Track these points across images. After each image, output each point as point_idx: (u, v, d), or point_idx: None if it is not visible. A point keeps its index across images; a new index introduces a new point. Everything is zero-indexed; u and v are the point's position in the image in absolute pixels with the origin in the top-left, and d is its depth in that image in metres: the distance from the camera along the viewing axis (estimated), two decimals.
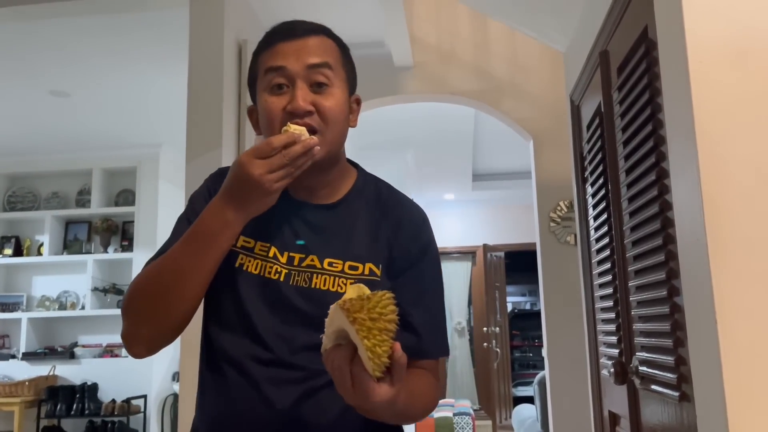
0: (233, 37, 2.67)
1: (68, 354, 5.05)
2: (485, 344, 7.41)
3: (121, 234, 5.30)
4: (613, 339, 1.90)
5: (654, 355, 1.50)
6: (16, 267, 5.28)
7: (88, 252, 5.20)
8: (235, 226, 0.94)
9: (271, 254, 1.01)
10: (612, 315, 1.91)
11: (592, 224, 2.16)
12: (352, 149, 1.18)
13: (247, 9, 2.87)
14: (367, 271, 1.01)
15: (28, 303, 5.25)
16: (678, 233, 1.26)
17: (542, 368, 5.12)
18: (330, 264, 1.00)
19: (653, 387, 1.52)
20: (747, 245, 1.08)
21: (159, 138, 4.99)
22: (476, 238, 7.58)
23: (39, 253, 5.23)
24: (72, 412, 4.72)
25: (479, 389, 7.69)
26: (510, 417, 6.64)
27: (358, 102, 1.09)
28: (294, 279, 1.00)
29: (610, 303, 1.92)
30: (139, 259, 5.02)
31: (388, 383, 0.80)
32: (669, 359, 1.38)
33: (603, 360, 2.09)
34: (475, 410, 6.28)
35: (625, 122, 1.64)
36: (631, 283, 1.67)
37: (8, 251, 5.23)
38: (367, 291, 0.83)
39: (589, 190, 2.18)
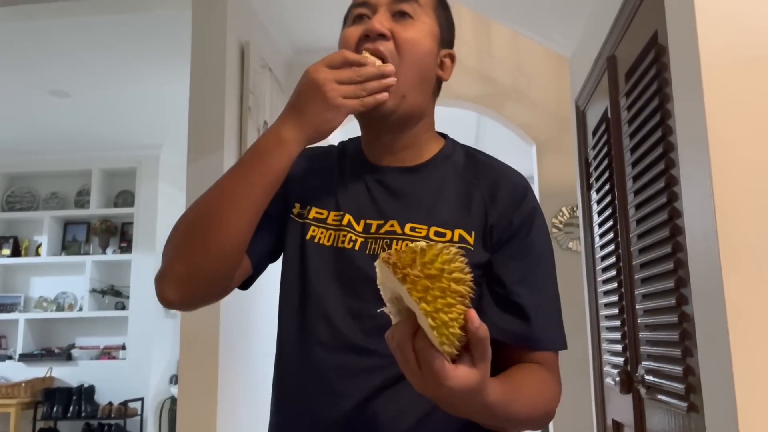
0: (236, 39, 2.65)
1: (65, 355, 5.03)
2: None
3: (120, 235, 5.28)
4: (619, 347, 1.88)
5: (661, 365, 1.48)
6: (14, 267, 5.25)
7: (87, 253, 5.17)
8: (290, 144, 0.83)
9: (345, 222, 0.90)
10: (617, 323, 1.89)
11: (597, 231, 2.14)
12: None
13: (250, 11, 2.86)
14: (456, 238, 0.86)
15: (25, 304, 5.22)
16: (688, 241, 1.24)
17: None
18: (412, 229, 0.87)
19: (660, 397, 1.50)
20: (761, 254, 1.07)
21: (159, 139, 4.97)
22: None
23: (37, 254, 5.21)
24: (68, 414, 4.69)
25: None
26: None
27: (453, 58, 0.97)
28: (371, 247, 0.88)
29: (616, 311, 1.90)
30: (137, 260, 5.00)
31: (468, 363, 0.63)
32: (677, 369, 1.36)
33: (607, 368, 2.07)
34: None
35: (633, 128, 1.62)
36: (637, 291, 1.65)
37: (6, 251, 5.20)
38: (437, 243, 0.65)
39: (594, 196, 2.17)
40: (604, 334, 2.10)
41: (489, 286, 0.87)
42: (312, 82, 0.82)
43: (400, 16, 0.89)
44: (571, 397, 3.15)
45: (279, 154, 0.84)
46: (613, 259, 1.93)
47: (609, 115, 1.89)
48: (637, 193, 1.62)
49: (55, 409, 4.70)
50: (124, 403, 4.74)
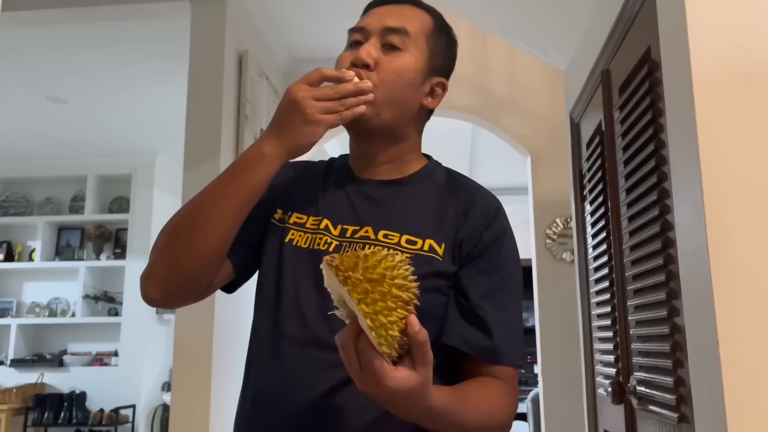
0: (234, 47, 2.67)
1: (57, 362, 5.00)
2: None
3: (114, 241, 5.28)
4: (611, 358, 1.90)
5: (652, 376, 1.50)
6: (7, 272, 5.24)
7: (81, 259, 5.16)
8: (271, 158, 0.89)
9: (322, 226, 0.95)
10: (610, 334, 1.91)
11: (591, 242, 2.16)
12: None
13: (248, 21, 2.88)
14: (426, 247, 0.90)
15: (17, 309, 5.20)
16: (680, 254, 1.26)
17: (534, 385, 5.09)
18: (385, 236, 0.91)
19: (651, 407, 1.51)
20: (751, 267, 1.08)
21: (155, 146, 4.98)
22: None
23: (30, 259, 5.20)
24: (59, 421, 4.67)
25: None
26: None
27: (444, 87, 1.02)
28: (345, 250, 0.91)
29: (608, 322, 1.92)
30: (131, 266, 4.99)
31: (408, 366, 0.68)
32: (668, 380, 1.37)
33: (599, 379, 2.09)
34: None
35: (626, 141, 1.64)
36: (630, 303, 1.67)
37: None
38: (382, 249, 0.69)
39: (588, 207, 2.19)
40: (597, 345, 2.12)
41: (456, 298, 0.92)
42: (292, 99, 0.87)
43: (389, 47, 0.95)
44: (563, 407, 3.18)
45: (260, 168, 0.89)
46: (606, 270, 1.95)
47: (603, 128, 1.91)
48: (630, 205, 1.64)
49: (46, 415, 4.68)
50: (116, 410, 4.72)
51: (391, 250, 0.69)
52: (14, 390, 4.72)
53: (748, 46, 1.15)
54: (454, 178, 1.02)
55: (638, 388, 1.59)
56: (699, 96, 1.15)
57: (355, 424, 0.85)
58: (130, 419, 4.80)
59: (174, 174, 5.07)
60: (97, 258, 5.17)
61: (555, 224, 3.47)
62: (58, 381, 4.96)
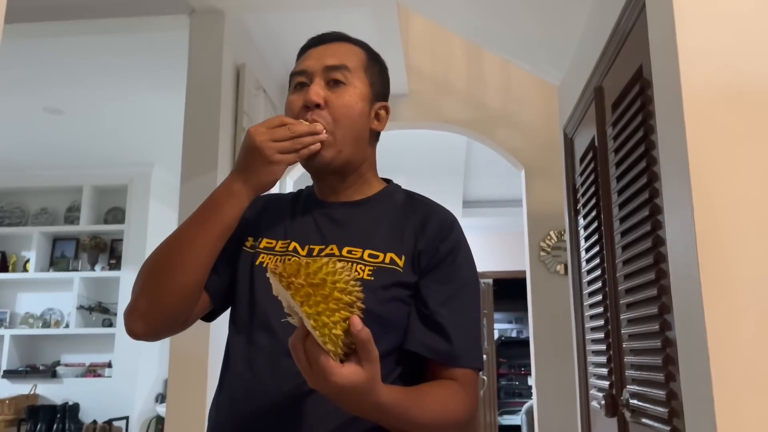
0: (231, 61, 2.69)
1: (50, 373, 4.97)
2: None
3: (110, 252, 5.26)
4: (604, 371, 1.92)
5: (645, 389, 1.51)
6: (1, 283, 5.21)
7: (75, 269, 5.15)
8: (239, 195, 0.97)
9: (290, 248, 1.01)
10: (603, 347, 1.92)
11: (584, 256, 2.19)
12: None
13: (246, 34, 2.91)
14: (387, 260, 0.97)
15: (11, 320, 5.17)
16: (671, 269, 1.28)
17: (528, 397, 5.09)
18: (349, 251, 0.98)
19: (644, 420, 1.53)
20: (740, 281, 1.11)
21: (151, 157, 4.99)
22: None
23: (25, 270, 5.18)
24: None
25: None
26: None
27: (387, 110, 1.10)
28: None
29: (602, 335, 1.94)
30: (126, 277, 4.98)
31: (355, 363, 0.74)
32: (660, 393, 1.39)
33: (593, 391, 2.10)
34: None
35: (619, 157, 1.67)
36: (622, 316, 1.69)
37: None
38: (325, 258, 0.75)
39: (582, 222, 2.21)
40: (591, 358, 2.14)
41: (416, 306, 0.98)
42: (252, 144, 0.95)
43: (334, 84, 1.02)
44: (557, 420, 3.18)
45: (230, 206, 0.97)
46: (599, 284, 1.97)
47: (596, 144, 1.94)
48: (622, 220, 1.66)
49: (38, 427, 4.64)
50: (109, 422, 4.69)
51: (333, 259, 0.75)
52: (7, 401, 4.68)
53: (736, 65, 1.18)
54: (412, 198, 1.09)
55: (631, 401, 1.61)
56: (689, 114, 1.18)
57: (323, 427, 0.90)
58: (124, 431, 4.77)
59: (170, 185, 5.08)
60: (92, 269, 5.16)
61: (549, 237, 3.50)
62: (51, 392, 4.93)
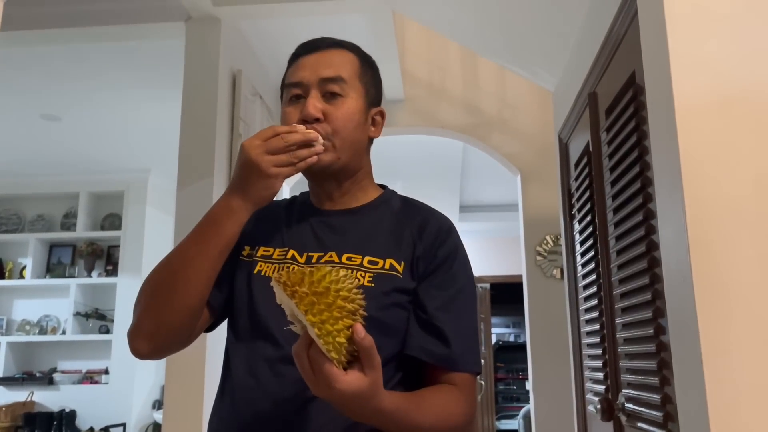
0: (228, 67, 2.70)
1: (47, 380, 4.96)
2: None
3: (106, 258, 5.26)
4: (600, 375, 1.92)
5: (640, 393, 1.52)
6: None
7: (72, 276, 5.14)
8: (239, 211, 0.96)
9: (289, 256, 1.01)
10: (599, 351, 1.93)
11: (579, 260, 2.20)
12: None
13: (242, 40, 2.92)
14: (387, 266, 0.98)
15: (7, 327, 5.16)
16: (664, 273, 1.29)
17: (526, 401, 5.09)
18: (348, 258, 0.98)
19: (639, 424, 1.53)
20: (732, 285, 1.12)
21: (147, 163, 4.99)
22: None
23: (21, 276, 5.17)
24: None
25: None
26: None
27: (383, 115, 1.11)
28: None
29: (597, 339, 1.95)
30: (123, 284, 4.98)
31: (358, 370, 0.75)
32: (655, 397, 1.40)
33: (589, 396, 2.11)
34: None
35: (613, 162, 1.68)
36: (617, 320, 1.69)
37: None
38: (328, 266, 0.75)
39: (577, 226, 2.22)
40: (587, 362, 2.14)
41: (415, 311, 0.98)
42: (247, 158, 0.94)
43: (330, 96, 1.02)
44: (554, 424, 3.18)
45: (230, 222, 0.96)
46: (594, 289, 1.98)
47: (590, 149, 1.95)
48: (617, 224, 1.67)
49: None
50: (106, 429, 4.68)
51: (337, 267, 0.76)
52: (3, 408, 4.67)
53: (726, 72, 1.20)
54: (408, 203, 1.10)
55: (627, 405, 1.62)
56: (681, 120, 1.19)
57: (332, 424, 0.90)
58: None
59: (166, 191, 5.07)
60: (89, 275, 5.15)
61: (545, 241, 3.51)
62: (47, 399, 4.91)
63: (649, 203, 1.43)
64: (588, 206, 2.02)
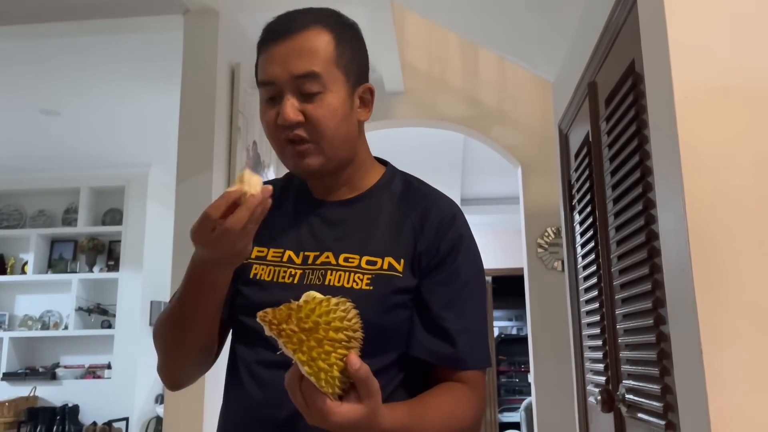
0: (226, 60, 2.69)
1: (50, 375, 4.98)
2: None
3: (108, 253, 5.26)
4: (600, 366, 1.92)
5: (640, 383, 1.51)
6: None
7: (73, 271, 5.15)
8: (223, 279, 0.90)
9: (285, 258, 0.97)
10: (599, 342, 1.93)
11: (580, 251, 2.19)
12: None
13: (241, 33, 2.90)
14: (386, 266, 0.93)
15: (10, 322, 5.17)
16: (664, 263, 1.28)
17: (528, 394, 5.10)
18: (346, 260, 0.94)
19: (639, 415, 1.53)
20: (732, 275, 1.11)
21: (148, 158, 4.99)
22: None
23: (23, 272, 5.18)
24: None
25: None
26: None
27: (371, 92, 1.01)
28: (308, 278, 0.94)
29: (597, 330, 1.94)
30: (125, 279, 4.98)
31: (354, 400, 0.72)
32: (655, 388, 1.39)
33: (590, 387, 2.10)
34: None
35: (612, 152, 1.67)
36: (618, 311, 1.69)
37: None
38: (318, 296, 0.72)
39: (577, 217, 2.21)
40: (587, 354, 2.14)
41: (418, 310, 0.94)
42: (230, 254, 0.84)
43: (308, 95, 0.92)
44: (556, 416, 3.18)
45: (216, 289, 0.90)
46: (594, 280, 1.97)
47: (590, 139, 1.94)
48: (617, 215, 1.66)
49: (38, 429, 4.64)
50: (109, 423, 4.69)
51: (327, 297, 0.72)
52: (6, 404, 4.69)
53: (725, 60, 1.18)
54: (410, 186, 1.03)
55: (627, 396, 1.61)
56: (680, 108, 1.18)
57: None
58: None
59: (167, 186, 5.07)
60: (90, 270, 5.16)
61: (546, 233, 3.50)
62: (50, 394, 4.93)
63: (649, 193, 1.42)
64: (588, 197, 2.01)
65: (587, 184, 2.02)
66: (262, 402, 0.92)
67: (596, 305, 1.95)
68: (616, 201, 1.66)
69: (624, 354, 1.65)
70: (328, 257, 0.95)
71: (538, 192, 3.54)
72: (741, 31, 1.19)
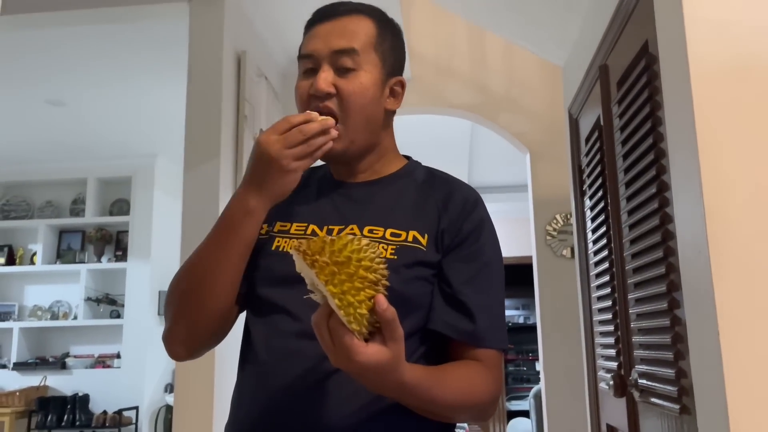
0: (232, 48, 2.67)
1: (60, 364, 5.01)
2: None
3: (115, 244, 5.28)
4: (612, 352, 1.91)
5: (654, 368, 1.50)
6: (9, 276, 5.24)
7: (82, 261, 5.17)
8: (257, 212, 0.93)
9: (309, 231, 0.98)
10: (611, 327, 1.91)
11: (591, 237, 2.17)
12: None
13: (246, 21, 2.88)
14: (410, 239, 0.94)
15: (20, 312, 5.21)
16: (679, 246, 1.27)
17: (536, 382, 5.09)
18: (370, 231, 0.95)
19: (653, 400, 1.52)
20: (750, 258, 1.09)
21: (155, 148, 4.99)
22: None
23: (32, 262, 5.20)
24: (63, 424, 4.68)
25: None
26: (504, 431, 6.61)
27: (402, 85, 1.04)
28: None
29: (609, 315, 1.92)
30: (133, 269, 5.00)
31: (379, 342, 0.73)
32: (669, 372, 1.38)
33: (601, 373, 2.09)
34: (468, 424, 6.25)
35: (625, 136, 1.65)
36: (630, 296, 1.67)
37: (1, 260, 5.19)
38: (349, 236, 0.73)
39: (588, 203, 2.19)
40: (598, 339, 2.13)
41: (440, 285, 0.95)
42: (265, 155, 0.91)
43: (343, 71, 0.97)
44: (565, 403, 3.18)
45: (248, 224, 0.94)
46: (606, 265, 1.95)
47: (602, 123, 1.92)
48: (629, 199, 1.64)
49: (49, 418, 4.69)
50: (119, 412, 4.73)
51: (358, 236, 0.74)
52: (17, 393, 4.72)
53: (743, 38, 1.16)
54: (433, 175, 1.06)
55: (640, 380, 1.60)
56: (696, 88, 1.15)
57: (348, 407, 0.88)
58: (134, 421, 4.80)
59: (174, 175, 5.07)
60: (99, 260, 5.18)
61: (555, 221, 3.48)
62: (60, 383, 4.97)
63: (663, 175, 1.40)
64: (599, 182, 1.99)
65: (598, 169, 2.00)
66: (279, 371, 0.91)
67: (608, 290, 1.94)
68: (628, 185, 1.64)
69: (637, 339, 1.63)
70: (353, 229, 0.96)
71: (547, 179, 3.52)
72: (760, 7, 1.16)
